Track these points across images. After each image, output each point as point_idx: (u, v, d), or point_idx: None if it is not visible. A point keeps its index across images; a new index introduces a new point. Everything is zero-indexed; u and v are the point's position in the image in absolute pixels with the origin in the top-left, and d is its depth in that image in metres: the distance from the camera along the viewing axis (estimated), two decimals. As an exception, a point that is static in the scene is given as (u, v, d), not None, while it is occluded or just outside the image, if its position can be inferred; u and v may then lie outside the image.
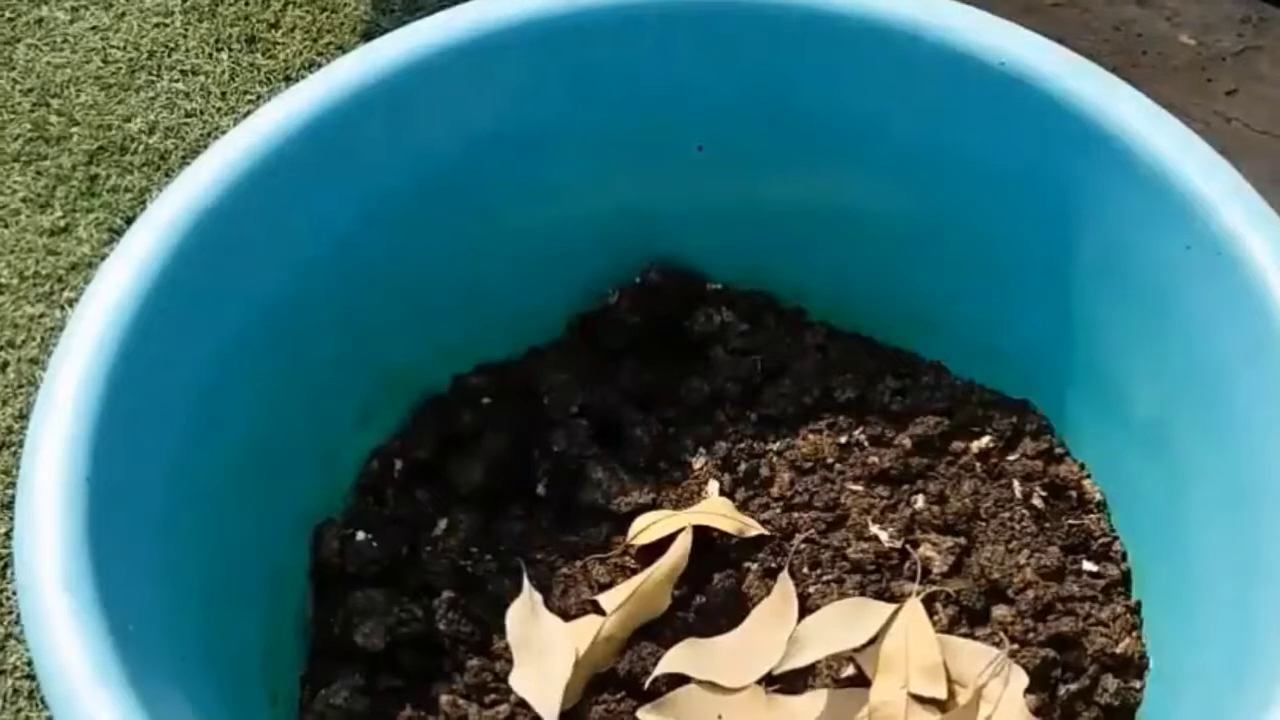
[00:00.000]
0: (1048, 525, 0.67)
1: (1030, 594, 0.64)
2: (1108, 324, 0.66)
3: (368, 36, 1.08)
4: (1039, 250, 0.67)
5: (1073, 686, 0.62)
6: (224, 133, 0.67)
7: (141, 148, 1.04)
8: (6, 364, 0.94)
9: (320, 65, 0.92)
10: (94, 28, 1.10)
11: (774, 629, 0.62)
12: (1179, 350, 0.62)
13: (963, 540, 0.66)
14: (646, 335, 0.72)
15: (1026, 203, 0.66)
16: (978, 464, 0.69)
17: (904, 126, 0.67)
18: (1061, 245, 0.66)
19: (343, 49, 1.08)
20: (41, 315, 0.96)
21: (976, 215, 0.68)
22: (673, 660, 0.61)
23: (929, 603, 0.63)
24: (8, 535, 0.86)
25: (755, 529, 0.65)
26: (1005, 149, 0.66)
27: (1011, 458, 0.69)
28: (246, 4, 1.11)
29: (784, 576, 0.63)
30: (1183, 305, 0.61)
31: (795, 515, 0.67)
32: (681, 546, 0.64)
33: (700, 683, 0.61)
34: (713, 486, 0.68)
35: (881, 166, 0.69)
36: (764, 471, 0.69)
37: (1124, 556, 0.66)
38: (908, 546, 0.65)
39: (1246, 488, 0.57)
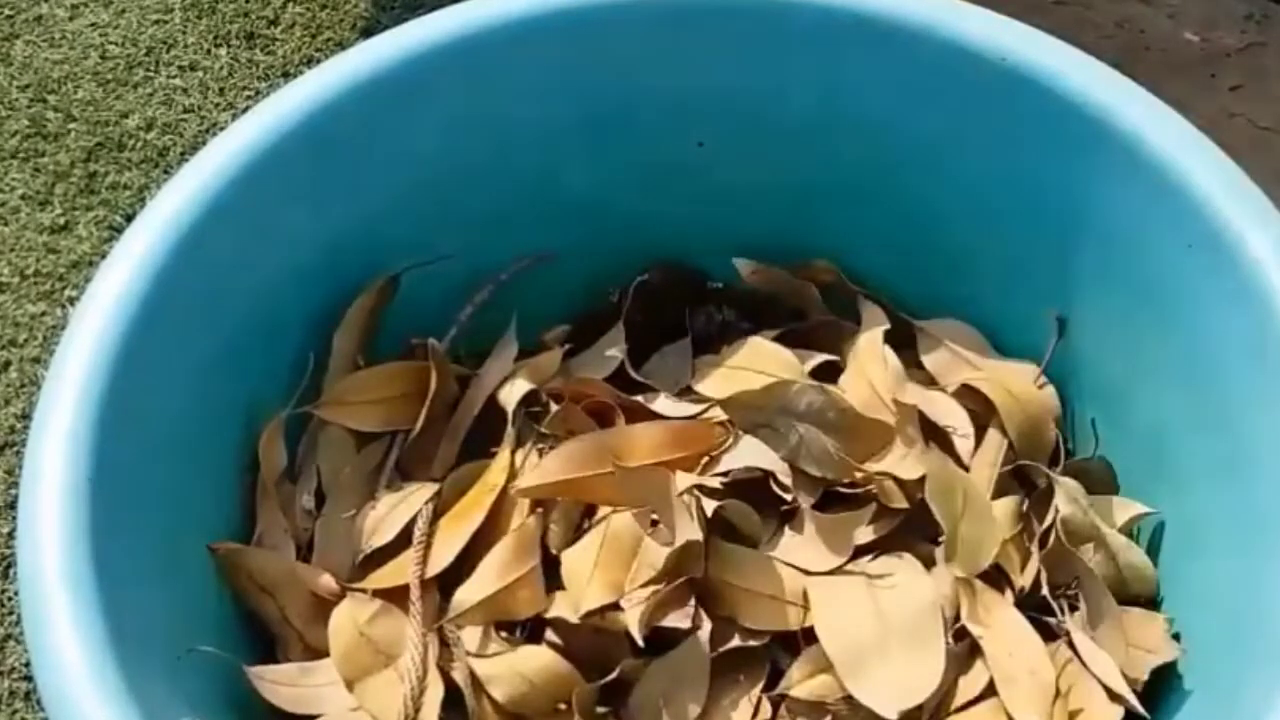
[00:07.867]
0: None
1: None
2: (1109, 322, 0.66)
3: (367, 33, 1.08)
4: (1041, 248, 0.67)
5: (1075, 684, 0.62)
6: (222, 129, 0.67)
7: (139, 144, 1.04)
8: (9, 363, 0.93)
9: (319, 61, 0.92)
10: (93, 24, 1.10)
11: None
12: (1180, 349, 0.62)
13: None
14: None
15: (1029, 200, 0.66)
16: (979, 462, 0.68)
17: (906, 124, 0.67)
18: (1064, 243, 0.66)
19: (342, 45, 1.08)
20: (43, 314, 0.96)
21: (980, 213, 0.68)
22: None
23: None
24: (11, 536, 0.86)
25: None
26: (1008, 147, 0.66)
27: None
28: (246, 0, 1.11)
29: None
30: (1184, 304, 0.61)
31: (797, 513, 0.66)
32: None
33: None
34: None
35: (882, 164, 0.69)
36: (765, 467, 0.68)
37: (1124, 556, 0.66)
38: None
39: (1247, 486, 0.57)
